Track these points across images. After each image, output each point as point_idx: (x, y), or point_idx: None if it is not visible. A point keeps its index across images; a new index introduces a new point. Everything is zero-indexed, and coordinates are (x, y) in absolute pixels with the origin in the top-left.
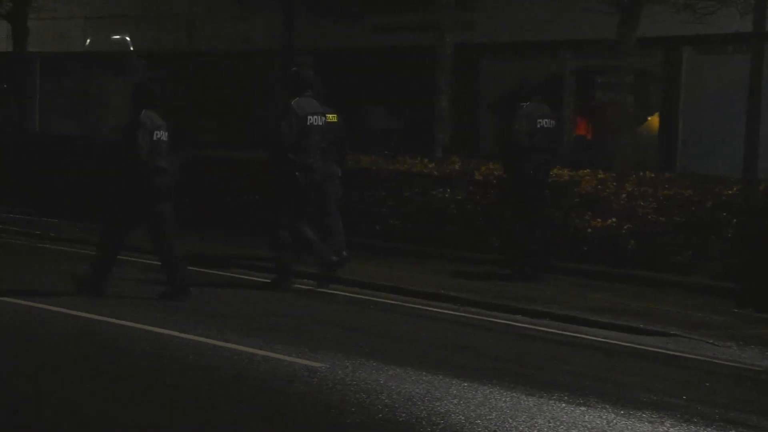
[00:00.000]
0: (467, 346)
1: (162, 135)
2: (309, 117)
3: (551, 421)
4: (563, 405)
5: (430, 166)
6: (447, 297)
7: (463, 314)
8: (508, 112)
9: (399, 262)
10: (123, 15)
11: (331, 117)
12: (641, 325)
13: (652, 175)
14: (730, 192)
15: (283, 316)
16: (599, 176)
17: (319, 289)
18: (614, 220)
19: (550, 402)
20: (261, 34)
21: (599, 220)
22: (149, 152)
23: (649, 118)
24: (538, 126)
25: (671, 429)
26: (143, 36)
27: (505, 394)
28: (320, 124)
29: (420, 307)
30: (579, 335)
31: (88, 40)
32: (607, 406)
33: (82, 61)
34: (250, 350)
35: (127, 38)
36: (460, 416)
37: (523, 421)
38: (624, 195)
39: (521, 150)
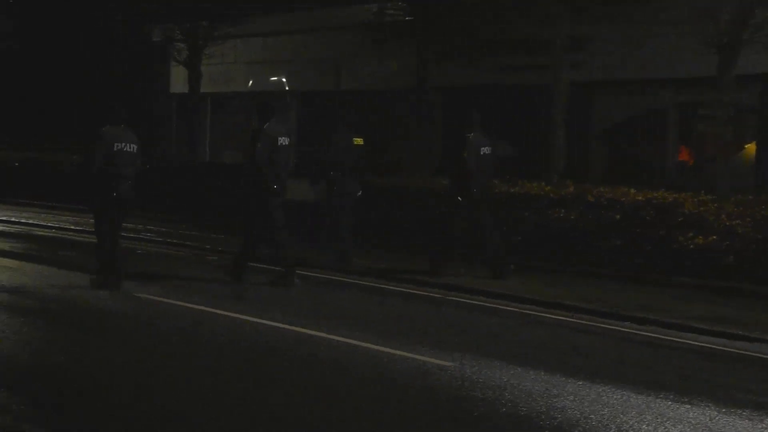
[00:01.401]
0: (581, 349)
1: (283, 141)
2: (279, 138)
3: (658, 417)
4: (669, 403)
5: (546, 189)
6: (562, 305)
7: (576, 320)
8: (457, 143)
9: (518, 275)
10: (279, 60)
11: (358, 140)
12: (741, 332)
13: (750, 197)
14: None
15: (416, 320)
16: (700, 198)
17: (448, 298)
18: (714, 237)
19: (657, 400)
20: (397, 74)
21: (701, 237)
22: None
23: (746, 146)
24: (481, 153)
25: None
26: (296, 77)
27: (615, 392)
28: (286, 144)
29: (537, 314)
30: (683, 340)
31: (250, 82)
32: (710, 405)
33: (245, 99)
34: (389, 350)
35: (283, 79)
36: (576, 411)
37: (633, 417)
38: (723, 215)
39: (468, 173)
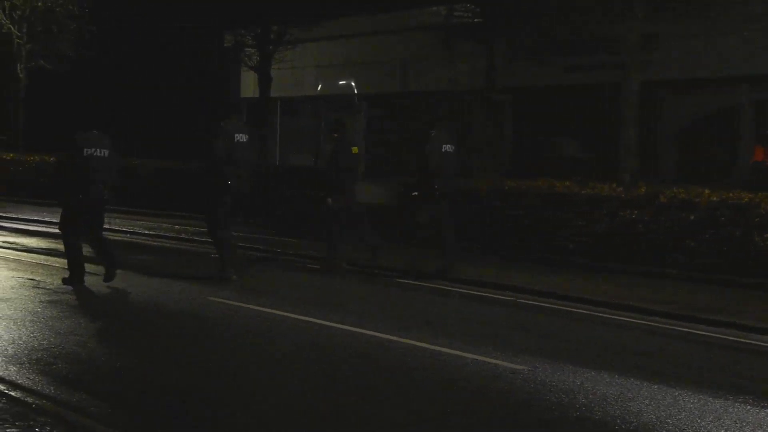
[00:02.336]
0: (655, 352)
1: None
2: (236, 135)
3: (737, 422)
4: (748, 407)
5: (618, 190)
6: (634, 307)
7: (649, 323)
8: (420, 141)
9: (589, 276)
10: (348, 63)
11: (354, 150)
12: None
13: None
14: None
15: (486, 323)
16: None
17: (519, 300)
18: None
19: (736, 404)
20: (465, 76)
21: None
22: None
23: None
24: (443, 151)
25: None
26: (365, 80)
27: (692, 396)
28: (244, 141)
29: (609, 316)
30: (760, 343)
31: (320, 85)
32: None
33: (314, 103)
34: (459, 353)
35: (352, 82)
36: (651, 416)
37: (711, 422)
38: None
39: (430, 170)
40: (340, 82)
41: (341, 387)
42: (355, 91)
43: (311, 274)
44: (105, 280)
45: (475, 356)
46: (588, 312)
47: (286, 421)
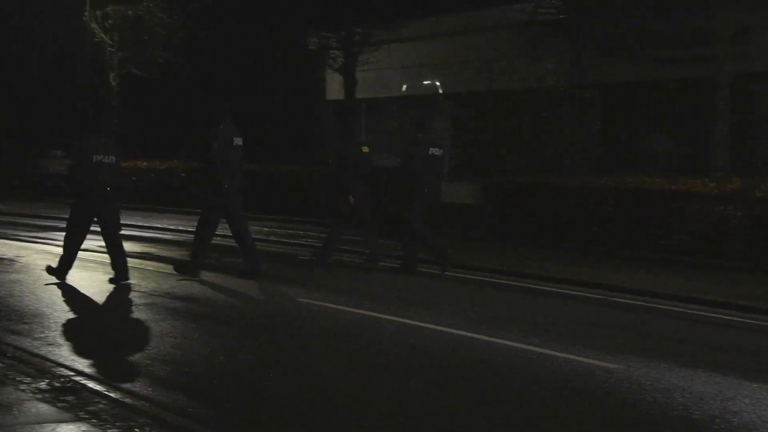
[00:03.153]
0: (753, 350)
1: (435, 152)
2: (234, 139)
3: None
4: None
5: (710, 186)
6: (730, 304)
7: (746, 320)
8: (407, 142)
9: (681, 273)
10: (433, 63)
11: (365, 149)
12: None
13: None
14: None
15: (577, 321)
16: None
17: (610, 299)
18: None
19: None
20: (551, 73)
21: None
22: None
23: None
24: (430, 153)
25: None
26: (449, 79)
27: None
28: (241, 144)
29: (703, 313)
30: None
31: (404, 86)
32: None
33: (399, 104)
34: (552, 353)
35: (437, 82)
36: (752, 415)
37: None
38: None
39: (415, 173)
40: (425, 83)
41: (435, 387)
42: (440, 91)
43: (398, 274)
44: (112, 281)
45: (568, 355)
46: (682, 309)
47: (387, 427)
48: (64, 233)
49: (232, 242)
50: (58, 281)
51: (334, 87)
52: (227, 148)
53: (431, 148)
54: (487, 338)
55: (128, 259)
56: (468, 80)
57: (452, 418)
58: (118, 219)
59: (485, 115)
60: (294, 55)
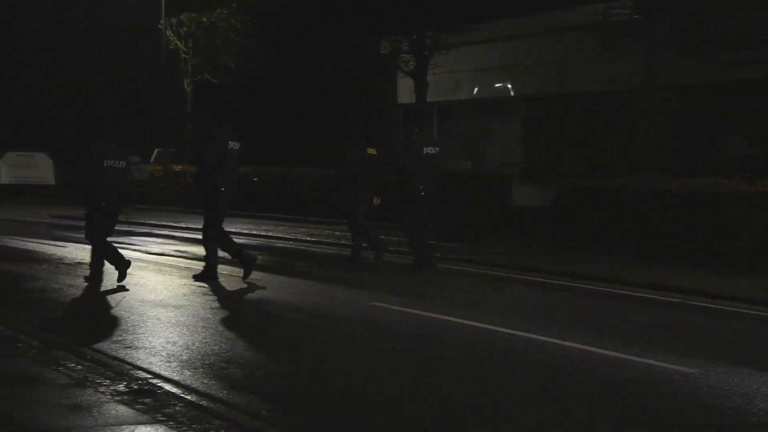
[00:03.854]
0: None
1: (234, 146)
2: (229, 143)
3: None
4: None
5: None
6: None
7: None
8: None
9: (760, 277)
10: (504, 65)
11: (371, 150)
12: None
13: None
14: None
15: (653, 325)
16: None
17: (688, 302)
18: None
19: None
20: (623, 74)
21: None
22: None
23: None
24: (424, 153)
25: None
26: (521, 82)
27: None
28: (237, 148)
29: None
30: None
31: (476, 89)
32: None
33: (471, 106)
34: (628, 357)
35: (508, 85)
36: None
37: None
38: None
39: (409, 173)
40: (496, 85)
41: (504, 389)
42: (512, 94)
43: (473, 278)
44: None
45: (643, 359)
46: (759, 313)
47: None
48: (137, 237)
49: (302, 246)
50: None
51: (405, 91)
52: (223, 153)
53: (426, 148)
54: (558, 341)
55: (203, 264)
56: (539, 83)
57: (535, 423)
58: (112, 227)
59: (557, 118)
60: (365, 60)
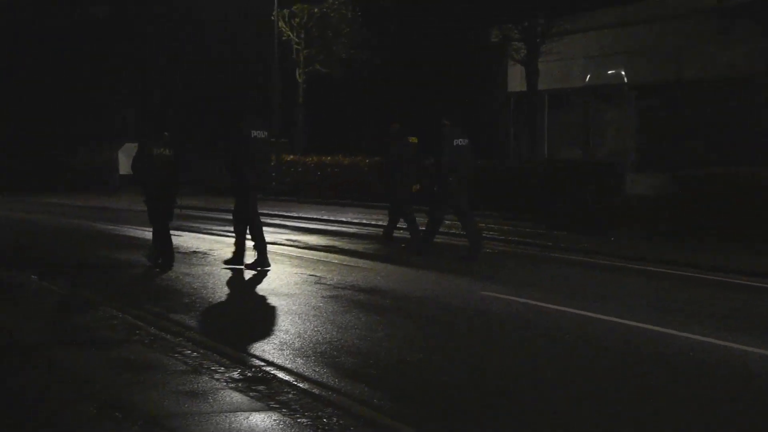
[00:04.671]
0: None
1: (460, 142)
2: (253, 132)
3: None
4: None
5: None
6: None
7: None
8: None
9: None
10: (618, 52)
11: (413, 139)
12: None
13: None
14: None
15: (741, 310)
16: None
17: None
18: None
19: None
20: (743, 59)
21: None
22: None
23: None
24: (455, 145)
25: None
26: (635, 69)
27: None
28: (263, 137)
29: None
30: None
31: (588, 76)
32: None
33: (582, 94)
34: (752, 349)
35: (622, 72)
36: None
37: None
38: None
39: (444, 165)
40: (609, 72)
41: (611, 381)
42: (625, 81)
43: (584, 267)
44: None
45: (727, 343)
46: None
47: (581, 421)
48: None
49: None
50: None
51: (515, 79)
52: (246, 142)
53: (456, 140)
54: (677, 332)
55: (314, 253)
56: (655, 69)
57: (656, 417)
58: (170, 210)
59: (672, 105)
60: (474, 48)
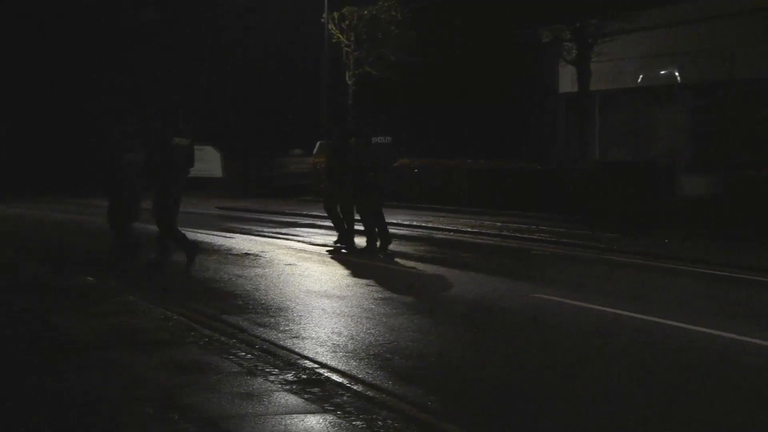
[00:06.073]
0: None
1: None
2: (174, 139)
3: None
4: None
5: None
6: None
7: None
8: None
9: None
10: (671, 52)
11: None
12: None
13: None
14: None
15: None
16: None
17: None
18: None
19: None
20: None
21: None
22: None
23: None
24: (374, 142)
25: None
26: (688, 69)
27: None
28: (185, 144)
29: None
30: None
31: (640, 77)
32: None
33: (633, 95)
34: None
35: (675, 72)
36: None
37: None
38: None
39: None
40: (662, 72)
41: (657, 379)
42: (678, 81)
43: (636, 269)
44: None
45: None
46: None
47: (638, 426)
48: (300, 228)
49: (462, 237)
50: None
51: (566, 80)
52: (168, 150)
53: (375, 138)
54: (737, 337)
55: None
56: (708, 70)
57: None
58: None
59: (725, 106)
60: (525, 49)
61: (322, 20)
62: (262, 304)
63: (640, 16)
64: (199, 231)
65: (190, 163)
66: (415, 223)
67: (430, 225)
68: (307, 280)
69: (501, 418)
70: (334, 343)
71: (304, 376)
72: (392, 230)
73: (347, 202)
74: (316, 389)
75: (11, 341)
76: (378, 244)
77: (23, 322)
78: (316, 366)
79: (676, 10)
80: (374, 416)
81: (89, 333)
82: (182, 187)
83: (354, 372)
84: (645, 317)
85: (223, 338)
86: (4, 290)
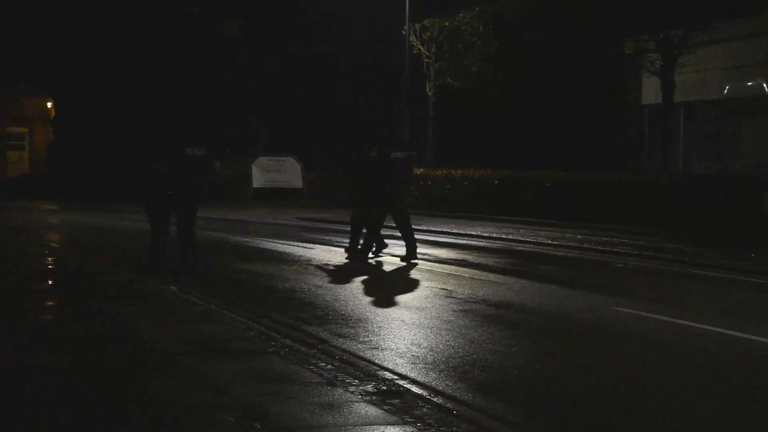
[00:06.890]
0: None
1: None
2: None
3: None
4: None
5: None
6: None
7: None
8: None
9: None
10: (757, 63)
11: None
12: None
13: None
14: None
15: None
16: None
17: None
18: None
19: None
20: None
21: None
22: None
23: None
24: (392, 158)
25: None
26: None
27: None
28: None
29: None
30: None
31: (726, 88)
32: None
33: (719, 106)
34: None
35: (764, 84)
36: None
37: None
38: None
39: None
40: (749, 84)
41: (745, 396)
42: (766, 92)
43: (722, 284)
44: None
45: None
46: None
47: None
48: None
49: (543, 249)
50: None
51: (650, 91)
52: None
53: (393, 153)
54: None
55: (445, 267)
56: None
57: None
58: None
59: None
60: (608, 60)
61: (404, 32)
62: (342, 314)
63: (726, 27)
64: (280, 242)
65: (205, 173)
66: (494, 235)
67: (509, 237)
68: (386, 291)
69: None
70: (413, 355)
71: (384, 388)
72: (473, 242)
73: (376, 216)
74: (396, 401)
75: (96, 348)
76: (404, 254)
77: (105, 328)
78: (395, 377)
79: (762, 21)
80: (454, 429)
81: (172, 341)
82: (201, 197)
83: (434, 384)
84: (730, 332)
85: (303, 348)
86: (85, 296)
